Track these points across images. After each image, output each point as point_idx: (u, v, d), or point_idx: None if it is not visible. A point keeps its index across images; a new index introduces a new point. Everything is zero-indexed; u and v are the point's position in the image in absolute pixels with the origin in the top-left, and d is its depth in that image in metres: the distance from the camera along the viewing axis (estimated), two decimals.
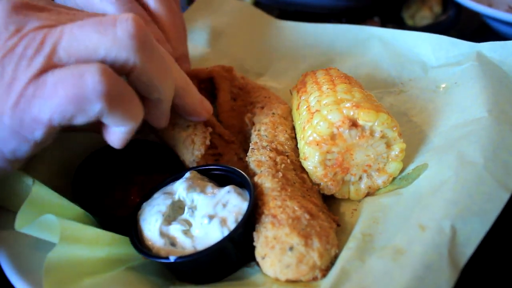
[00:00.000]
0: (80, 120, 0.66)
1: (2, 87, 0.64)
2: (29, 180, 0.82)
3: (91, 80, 0.64)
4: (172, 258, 0.73)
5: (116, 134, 0.73)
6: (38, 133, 0.66)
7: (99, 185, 0.91)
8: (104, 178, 0.92)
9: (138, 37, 0.67)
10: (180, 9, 1.06)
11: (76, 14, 0.72)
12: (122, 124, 0.70)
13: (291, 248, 0.72)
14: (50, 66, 0.65)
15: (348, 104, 0.81)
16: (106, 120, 0.69)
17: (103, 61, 0.67)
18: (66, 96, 0.63)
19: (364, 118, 0.80)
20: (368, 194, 0.87)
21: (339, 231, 0.81)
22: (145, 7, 0.97)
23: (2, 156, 0.68)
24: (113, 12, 0.90)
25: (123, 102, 0.68)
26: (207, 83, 1.11)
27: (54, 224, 0.72)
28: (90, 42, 0.66)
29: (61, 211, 0.79)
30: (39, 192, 0.78)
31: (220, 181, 0.85)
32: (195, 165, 0.90)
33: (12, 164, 0.70)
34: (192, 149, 0.91)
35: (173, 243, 0.76)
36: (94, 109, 0.65)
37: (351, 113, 0.80)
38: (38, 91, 0.64)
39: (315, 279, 0.73)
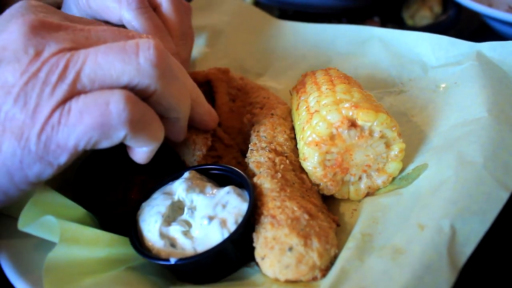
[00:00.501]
0: (104, 145, 0.69)
1: (27, 113, 0.65)
2: None
3: (116, 108, 0.66)
4: (172, 260, 0.73)
5: (140, 154, 0.77)
6: (63, 158, 0.68)
7: (99, 184, 0.91)
8: (104, 178, 0.92)
9: (160, 66, 0.70)
10: (190, 20, 1.10)
11: (91, 31, 0.73)
12: (145, 145, 0.74)
13: (290, 249, 0.72)
14: (74, 93, 0.67)
15: (347, 105, 0.81)
16: (130, 143, 0.72)
17: (125, 87, 0.69)
18: (91, 124, 0.66)
19: (363, 118, 0.80)
20: (368, 194, 0.87)
21: (339, 231, 0.81)
22: (157, 11, 1.00)
23: (26, 180, 0.68)
24: (130, 20, 0.93)
25: (146, 126, 0.71)
26: (205, 86, 1.11)
27: (55, 224, 0.73)
28: (114, 70, 0.68)
29: (64, 212, 0.79)
30: (43, 193, 0.79)
31: (219, 181, 0.85)
32: (195, 164, 0.90)
33: (34, 186, 0.71)
34: (193, 149, 0.91)
35: (173, 244, 0.76)
36: (119, 135, 0.68)
37: (350, 113, 0.80)
38: (63, 118, 0.66)
39: (314, 279, 0.73)
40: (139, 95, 0.70)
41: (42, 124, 0.65)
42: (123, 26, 0.98)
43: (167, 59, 0.72)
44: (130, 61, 0.68)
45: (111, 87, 0.68)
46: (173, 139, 0.86)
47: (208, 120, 0.92)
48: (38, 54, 0.67)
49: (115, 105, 0.66)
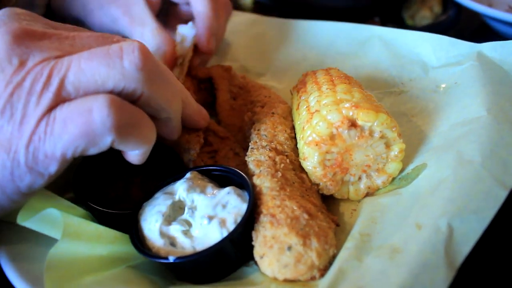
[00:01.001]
0: (93, 151, 0.68)
1: (14, 125, 0.65)
2: None
3: (99, 115, 0.65)
4: (171, 258, 0.73)
5: (133, 156, 0.76)
6: (52, 168, 0.67)
7: (99, 184, 0.92)
8: (104, 177, 0.93)
9: (145, 68, 0.69)
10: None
11: (75, 37, 0.72)
12: (136, 149, 0.73)
13: (289, 248, 0.72)
14: (59, 101, 0.66)
15: (347, 104, 0.81)
16: (119, 147, 0.70)
17: (111, 92, 0.67)
18: (76, 132, 0.65)
19: (363, 118, 0.80)
20: (367, 194, 0.87)
21: (339, 231, 0.81)
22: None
23: (18, 191, 0.68)
24: None
25: (134, 129, 0.70)
26: (207, 83, 1.12)
27: (57, 219, 0.72)
28: (98, 76, 0.67)
29: (64, 211, 0.79)
30: (42, 194, 0.79)
31: (220, 181, 0.86)
32: (192, 164, 0.91)
33: (26, 197, 0.71)
34: (188, 148, 0.92)
35: (173, 243, 0.76)
36: (106, 141, 0.67)
37: (350, 113, 0.80)
38: (49, 128, 0.65)
39: (313, 278, 0.73)
40: (126, 98, 0.69)
41: (29, 135, 0.65)
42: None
43: (153, 61, 0.71)
44: (114, 66, 0.67)
45: (97, 93, 0.67)
46: (168, 139, 0.86)
47: (198, 120, 0.92)
48: (22, 64, 0.66)
49: (99, 111, 0.64)
